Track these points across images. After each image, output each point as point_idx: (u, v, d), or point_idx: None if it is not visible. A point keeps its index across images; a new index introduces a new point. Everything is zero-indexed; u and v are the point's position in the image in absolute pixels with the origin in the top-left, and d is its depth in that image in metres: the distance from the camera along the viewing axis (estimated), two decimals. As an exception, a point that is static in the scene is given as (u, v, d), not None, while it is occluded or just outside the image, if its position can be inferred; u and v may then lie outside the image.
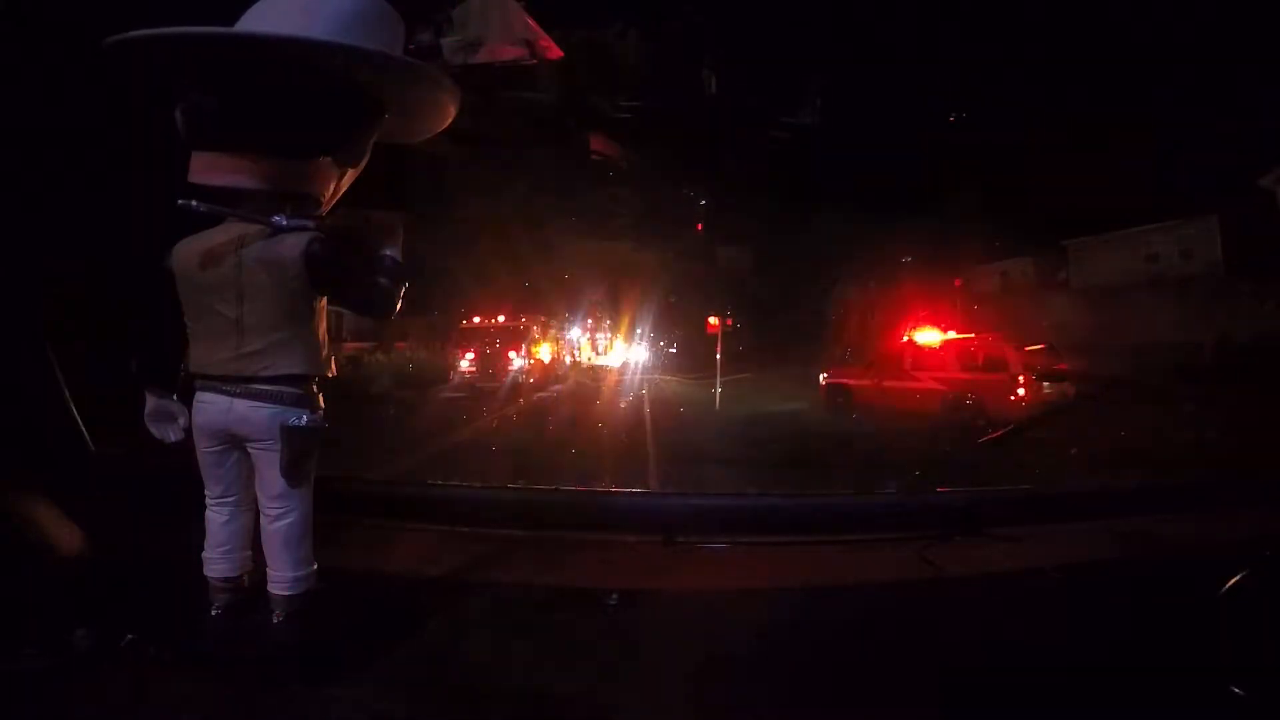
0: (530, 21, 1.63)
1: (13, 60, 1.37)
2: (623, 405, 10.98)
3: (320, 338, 1.00)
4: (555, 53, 1.68)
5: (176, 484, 1.06)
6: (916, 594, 1.23)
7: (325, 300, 1.00)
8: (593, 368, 16.88)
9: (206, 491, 1.01)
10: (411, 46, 1.23)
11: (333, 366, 1.02)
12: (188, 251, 0.97)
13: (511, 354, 12.87)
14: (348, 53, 0.93)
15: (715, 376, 11.35)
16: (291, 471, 0.96)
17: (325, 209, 1.03)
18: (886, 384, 9.03)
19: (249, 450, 0.98)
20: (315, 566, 1.00)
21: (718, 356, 11.67)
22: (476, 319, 13.70)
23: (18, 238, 1.45)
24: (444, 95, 1.06)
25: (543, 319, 14.36)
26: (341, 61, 0.94)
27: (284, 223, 0.93)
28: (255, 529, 1.01)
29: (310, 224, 0.95)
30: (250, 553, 1.02)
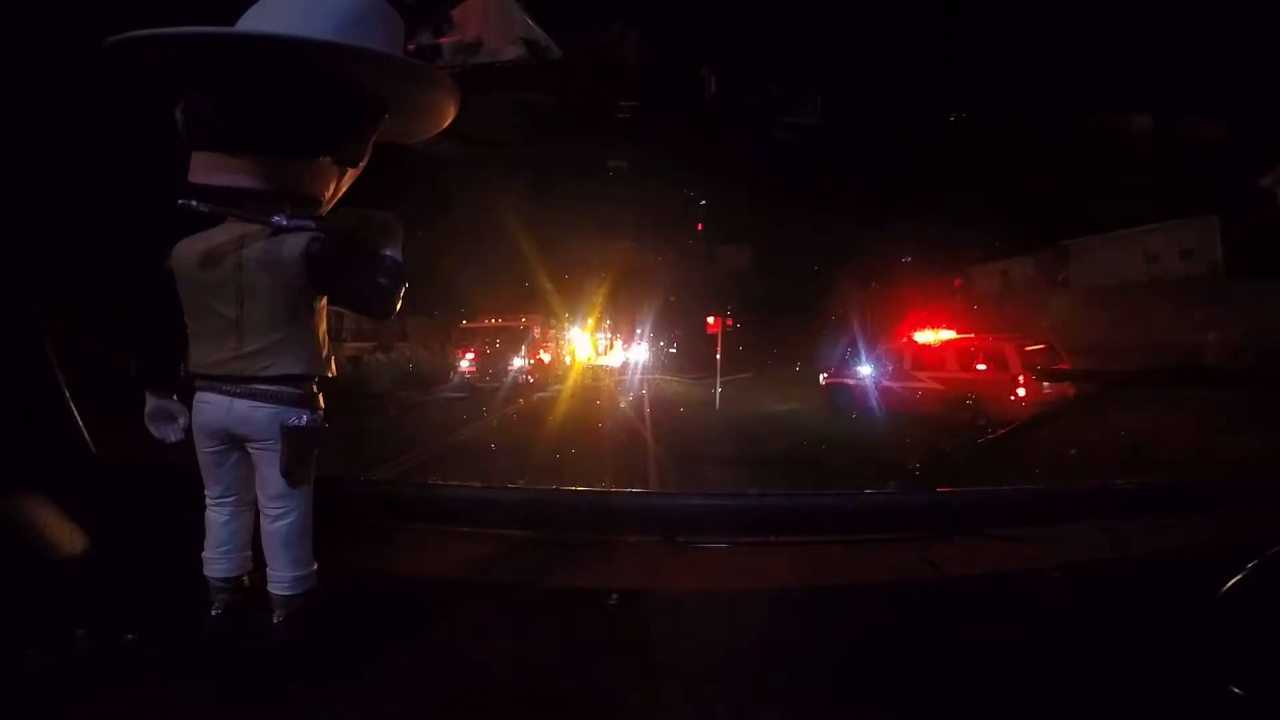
0: (530, 21, 1.64)
1: (13, 60, 1.37)
2: (623, 405, 10.99)
3: (320, 338, 1.00)
4: (555, 53, 1.68)
5: (177, 484, 1.06)
6: (916, 594, 1.23)
7: (325, 300, 1.00)
8: (593, 368, 16.87)
9: (206, 491, 1.01)
10: (411, 46, 1.23)
11: (333, 366, 1.02)
12: (188, 251, 0.97)
13: (511, 354, 12.88)
14: (348, 52, 0.93)
15: (715, 376, 11.36)
16: (291, 471, 0.96)
17: (325, 209, 1.02)
18: (886, 384, 9.04)
19: (249, 450, 0.98)
20: (315, 566, 1.00)
21: (718, 356, 11.68)
22: (477, 319, 13.71)
23: (18, 238, 1.45)
24: (444, 95, 1.06)
25: (543, 319, 14.37)
26: (341, 61, 0.94)
27: (284, 223, 0.93)
28: (255, 529, 1.01)
29: (310, 224, 0.95)
30: (250, 553, 1.02)
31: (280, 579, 0.97)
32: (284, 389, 0.96)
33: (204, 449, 0.99)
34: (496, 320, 13.58)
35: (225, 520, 1.01)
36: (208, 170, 0.94)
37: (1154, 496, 1.65)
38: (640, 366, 17.02)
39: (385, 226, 1.07)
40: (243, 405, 0.96)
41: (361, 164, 1.04)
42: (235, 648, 0.97)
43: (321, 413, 0.99)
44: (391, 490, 1.82)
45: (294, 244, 0.94)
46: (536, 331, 13.82)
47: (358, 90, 0.98)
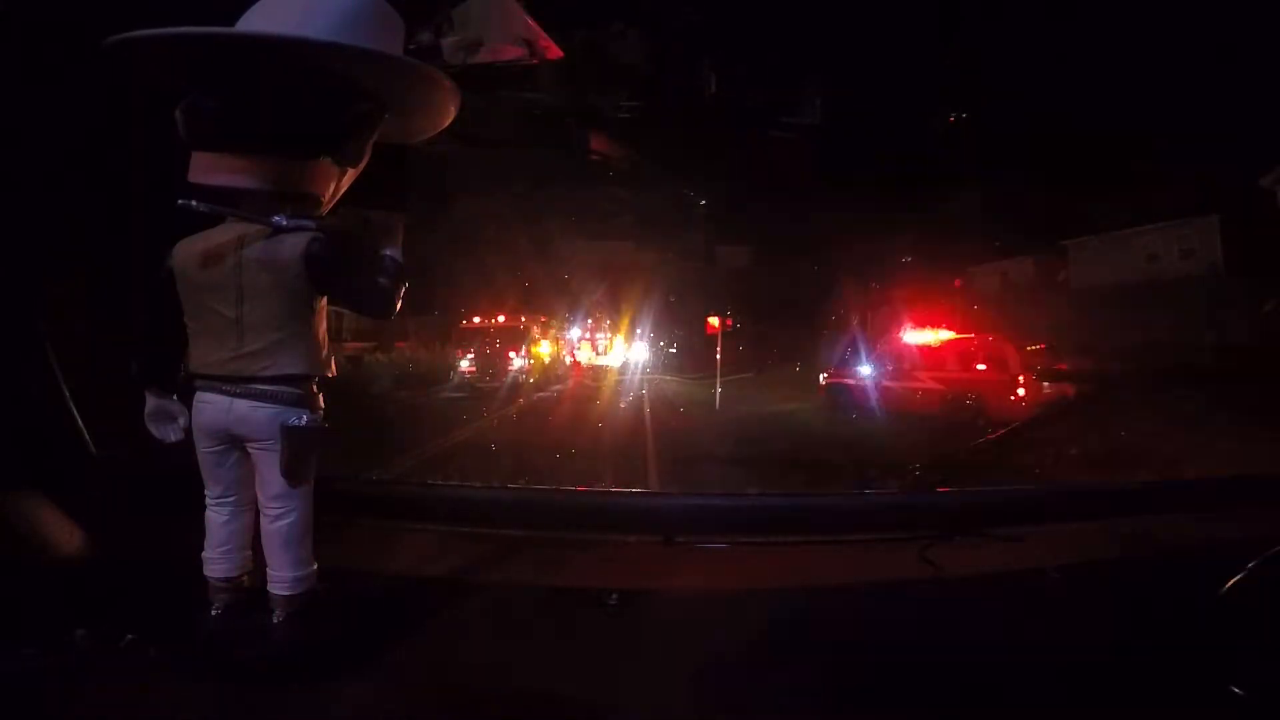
0: (530, 21, 1.63)
1: (13, 60, 1.37)
2: (622, 405, 10.99)
3: (320, 338, 1.00)
4: (555, 53, 1.68)
5: (176, 484, 1.06)
6: (916, 594, 1.23)
7: (325, 300, 1.00)
8: (592, 368, 16.86)
9: (206, 491, 1.01)
10: (411, 46, 1.23)
11: (333, 366, 1.02)
12: (188, 251, 0.97)
13: (511, 354, 12.89)
14: (348, 52, 0.93)
15: (715, 376, 11.37)
16: (291, 471, 0.96)
17: (325, 209, 1.03)
18: (886, 384, 9.04)
19: (249, 450, 0.98)
20: (315, 566, 1.00)
21: (717, 356, 11.69)
22: (476, 319, 13.72)
23: (18, 238, 1.45)
24: (444, 95, 1.06)
25: (543, 319, 14.38)
26: (341, 61, 0.94)
27: (284, 223, 0.93)
28: (255, 529, 1.01)
29: (310, 224, 0.95)
30: (250, 553, 1.02)
31: (280, 579, 0.97)
32: (284, 389, 0.96)
33: (204, 449, 0.99)
34: (496, 320, 13.59)
35: (225, 520, 1.01)
36: (208, 170, 0.94)
37: (1154, 496, 1.65)
38: (640, 366, 17.02)
39: (385, 226, 1.07)
40: (243, 405, 0.96)
41: (361, 164, 1.05)
42: (235, 648, 0.97)
43: (321, 413, 0.99)
44: (391, 490, 1.82)
45: (294, 244, 0.94)
46: (536, 331, 13.82)
47: (358, 90, 0.98)
